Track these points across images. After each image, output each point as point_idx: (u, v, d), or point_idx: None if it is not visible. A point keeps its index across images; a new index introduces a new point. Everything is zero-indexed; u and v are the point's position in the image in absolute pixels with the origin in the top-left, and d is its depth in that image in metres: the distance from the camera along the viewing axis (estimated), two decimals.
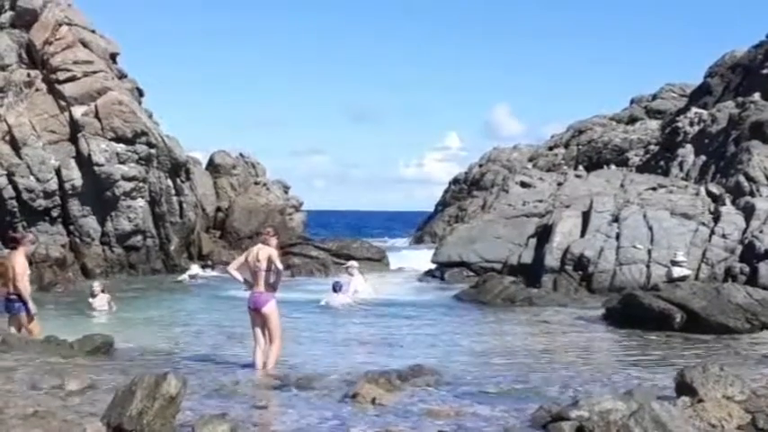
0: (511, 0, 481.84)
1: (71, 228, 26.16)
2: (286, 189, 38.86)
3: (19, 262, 12.77)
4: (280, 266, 10.46)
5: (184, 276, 26.20)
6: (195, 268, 27.44)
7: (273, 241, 10.66)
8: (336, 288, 19.72)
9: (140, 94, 30.74)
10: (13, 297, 12.79)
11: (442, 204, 52.64)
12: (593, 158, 46.39)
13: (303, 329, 15.01)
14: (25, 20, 27.15)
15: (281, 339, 10.80)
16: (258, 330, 10.63)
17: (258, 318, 10.56)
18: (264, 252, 10.38)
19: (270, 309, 10.44)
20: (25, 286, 12.73)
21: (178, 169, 28.17)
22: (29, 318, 12.96)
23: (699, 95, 40.88)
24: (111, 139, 26.31)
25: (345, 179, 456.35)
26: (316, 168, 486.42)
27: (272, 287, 10.48)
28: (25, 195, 25.15)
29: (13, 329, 13.04)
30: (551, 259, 22.97)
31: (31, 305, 12.92)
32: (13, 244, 13.18)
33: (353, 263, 21.42)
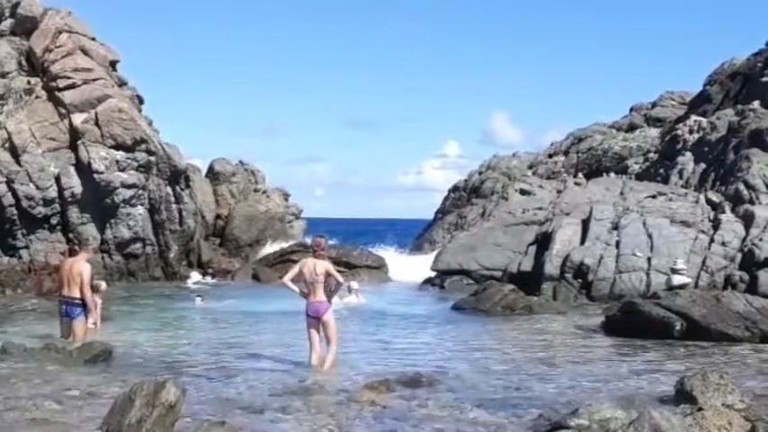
0: (510, 8, 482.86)
1: (70, 235, 26.09)
2: (286, 196, 38.82)
3: (85, 269, 13.35)
4: (341, 279, 11.62)
5: (189, 284, 26.41)
6: (196, 275, 27.61)
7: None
8: (350, 288, 20.31)
9: (140, 101, 30.76)
10: (78, 302, 13.30)
11: (442, 212, 52.52)
12: (593, 166, 46.35)
13: (304, 337, 14.98)
14: (25, 27, 27.19)
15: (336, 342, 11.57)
16: (315, 335, 11.44)
17: (317, 324, 11.39)
18: (321, 266, 11.34)
19: (329, 316, 11.39)
20: (89, 293, 13.41)
21: (178, 177, 28.15)
22: (85, 324, 13.43)
23: (698, 103, 40.90)
24: (110, 147, 26.31)
25: (344, 187, 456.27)
26: (315, 176, 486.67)
27: (329, 297, 11.41)
28: (25, 203, 25.11)
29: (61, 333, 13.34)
30: (551, 267, 22.96)
31: (93, 312, 13.67)
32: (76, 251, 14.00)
33: (354, 284, 21.67)
